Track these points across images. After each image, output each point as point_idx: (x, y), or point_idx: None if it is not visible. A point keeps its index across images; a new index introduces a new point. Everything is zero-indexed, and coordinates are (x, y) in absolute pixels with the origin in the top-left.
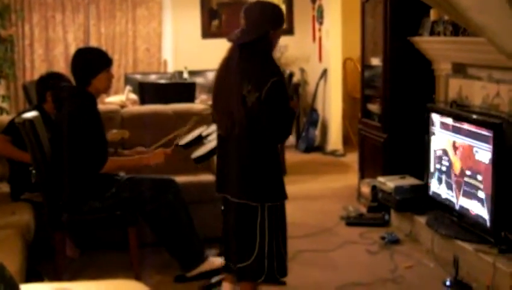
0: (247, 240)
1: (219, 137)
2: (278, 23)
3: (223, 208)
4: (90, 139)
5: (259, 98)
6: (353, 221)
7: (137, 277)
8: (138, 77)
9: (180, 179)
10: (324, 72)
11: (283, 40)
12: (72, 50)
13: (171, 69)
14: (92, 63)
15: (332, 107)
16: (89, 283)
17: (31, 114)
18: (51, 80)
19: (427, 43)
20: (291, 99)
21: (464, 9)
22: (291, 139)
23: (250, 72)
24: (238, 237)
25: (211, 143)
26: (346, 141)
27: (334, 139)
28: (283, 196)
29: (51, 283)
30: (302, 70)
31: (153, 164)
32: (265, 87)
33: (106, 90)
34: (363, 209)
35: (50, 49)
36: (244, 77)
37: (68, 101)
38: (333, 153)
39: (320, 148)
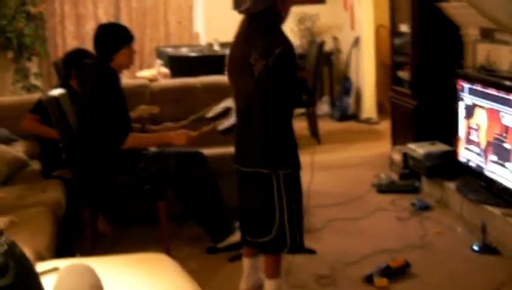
0: (267, 213)
1: (237, 111)
2: None
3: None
4: (110, 114)
5: (266, 66)
6: (384, 188)
7: (167, 250)
8: (169, 50)
9: (207, 151)
10: (356, 40)
11: (314, 9)
12: None
13: (203, 41)
14: (113, 39)
15: (365, 75)
16: (114, 257)
17: (57, 91)
18: (76, 56)
19: (454, 8)
20: (301, 69)
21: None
22: (326, 108)
23: (257, 41)
24: (257, 211)
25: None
26: (380, 108)
27: (368, 107)
28: (297, 165)
29: (77, 258)
30: (335, 39)
31: (175, 144)
32: (272, 55)
33: (128, 66)
34: (395, 177)
35: (81, 26)
36: (251, 46)
37: (90, 77)
38: (367, 121)
39: (355, 116)
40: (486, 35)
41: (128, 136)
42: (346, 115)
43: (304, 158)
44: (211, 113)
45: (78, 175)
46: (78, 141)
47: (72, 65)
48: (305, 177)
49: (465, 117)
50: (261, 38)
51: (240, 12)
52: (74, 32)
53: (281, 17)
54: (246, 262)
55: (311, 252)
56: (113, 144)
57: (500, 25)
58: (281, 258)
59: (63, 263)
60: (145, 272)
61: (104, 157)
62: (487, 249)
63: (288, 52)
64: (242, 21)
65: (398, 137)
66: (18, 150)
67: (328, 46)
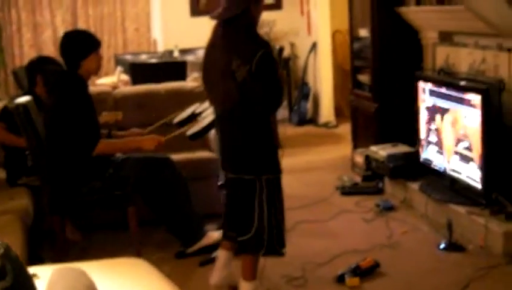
0: (246, 214)
1: (216, 115)
2: None
3: (221, 183)
4: (81, 122)
5: (249, 71)
6: (348, 190)
7: (138, 255)
8: (128, 57)
9: (177, 156)
10: (314, 45)
11: (271, 15)
12: (61, 33)
13: (161, 48)
14: (81, 45)
15: (323, 79)
16: (93, 263)
17: (24, 99)
18: (40, 63)
19: (413, 12)
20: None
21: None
22: (284, 113)
23: (238, 46)
24: (237, 212)
25: (205, 120)
26: (338, 112)
27: (326, 111)
28: (278, 169)
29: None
30: (292, 45)
31: (144, 149)
32: (255, 59)
33: (96, 71)
34: (358, 179)
35: (38, 34)
36: (231, 53)
37: (58, 85)
38: (326, 125)
39: (313, 120)
40: (445, 38)
41: (99, 142)
42: (304, 120)
43: None
44: (177, 119)
45: (47, 182)
46: (47, 148)
47: (37, 72)
48: None
49: (426, 118)
50: (240, 44)
51: (213, 18)
52: (31, 41)
53: (255, 21)
54: (222, 254)
55: (281, 254)
56: (84, 151)
57: (495, 28)
58: (257, 260)
59: (39, 270)
60: (124, 276)
61: (74, 163)
62: (453, 247)
63: (269, 55)
64: (215, 27)
65: (360, 140)
66: None
67: (286, 52)
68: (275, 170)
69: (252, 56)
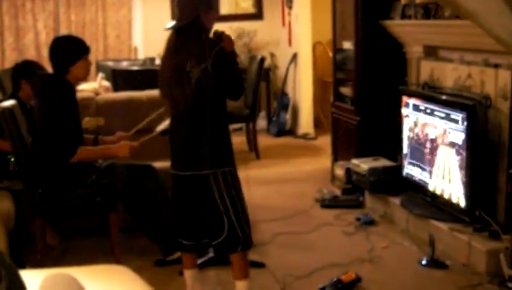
0: (214, 214)
1: (171, 119)
2: (207, 7)
3: (172, 187)
4: (65, 127)
5: (205, 70)
6: (328, 203)
7: (118, 262)
8: (110, 64)
9: (159, 164)
10: (294, 56)
11: (252, 25)
12: (42, 38)
13: (141, 55)
14: (70, 51)
15: (302, 91)
16: (76, 269)
17: (9, 103)
18: (25, 68)
19: (398, 26)
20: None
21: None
22: (263, 123)
23: (191, 49)
24: (202, 214)
25: None
26: (317, 124)
27: (305, 122)
28: (233, 163)
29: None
30: (272, 55)
31: (120, 155)
32: (210, 57)
33: (85, 77)
34: (337, 192)
35: (20, 38)
36: (185, 55)
37: (47, 90)
38: (304, 136)
39: (292, 131)
40: (430, 52)
41: (78, 150)
42: (283, 131)
43: (243, 173)
44: (160, 128)
45: (30, 187)
46: (32, 152)
47: (22, 76)
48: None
49: (408, 133)
50: (193, 47)
51: (168, 29)
52: (13, 44)
53: (205, 28)
54: (187, 274)
55: (260, 265)
56: (63, 157)
57: (503, 44)
58: (246, 257)
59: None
60: (108, 283)
61: (56, 169)
62: (435, 263)
63: (222, 50)
64: (169, 37)
65: (340, 152)
66: None
67: (266, 62)
68: (231, 163)
69: (205, 56)
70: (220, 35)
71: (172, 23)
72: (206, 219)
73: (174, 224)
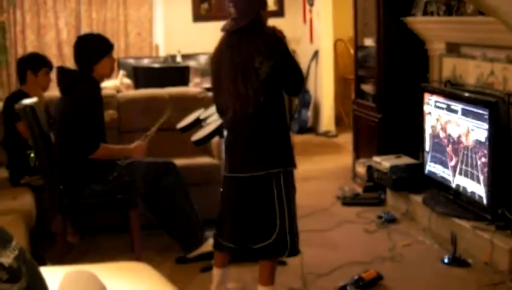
0: (267, 216)
1: (230, 122)
2: (264, 2)
3: (224, 190)
4: (90, 123)
5: (274, 66)
6: (349, 201)
7: (139, 259)
8: (131, 61)
9: (179, 161)
10: (315, 54)
11: (273, 22)
12: (64, 36)
13: (162, 53)
14: (94, 49)
15: (324, 88)
16: (96, 266)
17: (30, 100)
18: (31, 59)
19: (420, 23)
20: None
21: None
22: None
23: (257, 45)
24: (255, 216)
25: (210, 126)
26: (338, 121)
27: (327, 120)
28: (294, 162)
29: (61, 266)
30: (293, 52)
31: (136, 156)
32: (278, 52)
33: (109, 75)
34: (359, 189)
35: (42, 35)
36: (251, 53)
37: (74, 85)
38: (326, 134)
39: (313, 129)
40: (452, 49)
41: (100, 146)
42: (304, 128)
43: None
44: (181, 124)
45: (51, 183)
46: (55, 147)
47: (27, 68)
48: None
49: (431, 130)
50: (259, 43)
51: (225, 31)
52: (35, 42)
53: (263, 23)
54: (217, 272)
55: (281, 263)
56: (85, 151)
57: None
58: (276, 264)
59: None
60: (130, 280)
61: (77, 164)
62: (457, 261)
63: (286, 46)
64: (222, 39)
65: (361, 150)
66: None
67: None
68: (293, 163)
69: (274, 52)
70: (279, 31)
71: (230, 23)
72: (257, 221)
73: (220, 226)
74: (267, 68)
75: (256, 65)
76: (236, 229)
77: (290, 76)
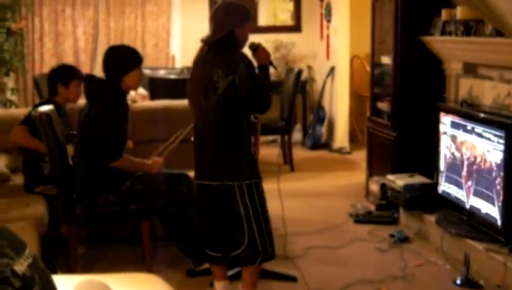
0: (235, 226)
1: (195, 128)
2: (242, 20)
3: (199, 199)
4: (116, 131)
5: (233, 82)
6: (362, 218)
7: (149, 271)
8: (147, 72)
9: (191, 173)
10: (331, 70)
11: (290, 37)
12: (81, 44)
13: (179, 64)
14: (124, 61)
15: (339, 104)
16: (107, 276)
17: (46, 107)
18: (61, 72)
19: (438, 42)
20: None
21: (503, 14)
22: (298, 136)
23: (219, 61)
24: (224, 225)
25: None
26: (352, 138)
27: (341, 136)
28: (258, 175)
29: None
30: (310, 68)
31: (153, 172)
32: (238, 70)
33: (136, 87)
34: (371, 207)
35: (59, 43)
36: (213, 66)
37: (102, 94)
38: (339, 150)
39: (327, 145)
40: (469, 70)
41: (122, 156)
42: (318, 144)
43: (275, 185)
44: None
45: (63, 192)
46: (75, 155)
47: (58, 81)
48: (277, 203)
49: (445, 150)
50: (222, 59)
51: (203, 41)
52: (52, 50)
53: (238, 43)
54: (218, 286)
55: (292, 279)
56: (108, 158)
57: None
58: (258, 270)
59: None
60: None
61: (93, 173)
62: (470, 283)
63: (250, 64)
64: (201, 48)
65: (375, 167)
66: (0, 164)
67: (303, 75)
68: (256, 175)
69: (234, 68)
70: (256, 47)
71: (208, 35)
72: (228, 230)
73: (200, 235)
74: (225, 83)
75: (214, 79)
76: (213, 237)
77: (249, 95)
